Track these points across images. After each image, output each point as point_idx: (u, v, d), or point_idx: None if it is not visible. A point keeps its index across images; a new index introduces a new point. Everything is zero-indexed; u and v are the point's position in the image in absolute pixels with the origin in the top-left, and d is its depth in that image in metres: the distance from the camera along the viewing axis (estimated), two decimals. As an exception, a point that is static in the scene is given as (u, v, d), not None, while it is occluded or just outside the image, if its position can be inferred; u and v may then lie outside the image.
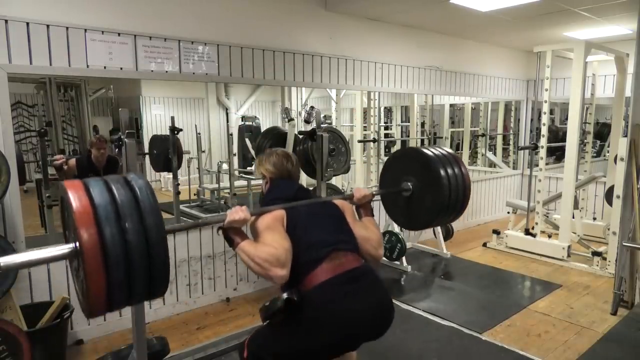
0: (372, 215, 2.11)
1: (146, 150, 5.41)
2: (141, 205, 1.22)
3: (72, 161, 4.12)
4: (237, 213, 1.69)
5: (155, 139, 5.35)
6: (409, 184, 2.23)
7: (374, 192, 2.18)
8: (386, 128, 8.75)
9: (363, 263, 1.83)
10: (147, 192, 1.25)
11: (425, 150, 2.21)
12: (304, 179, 6.33)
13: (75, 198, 1.16)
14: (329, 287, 1.69)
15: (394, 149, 8.38)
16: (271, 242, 1.67)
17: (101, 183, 1.24)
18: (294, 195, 1.94)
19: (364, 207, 2.11)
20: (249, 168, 6.64)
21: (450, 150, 2.27)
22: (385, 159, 6.73)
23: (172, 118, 4.90)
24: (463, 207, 2.23)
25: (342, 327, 1.66)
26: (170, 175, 5.01)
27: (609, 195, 4.89)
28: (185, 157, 6.05)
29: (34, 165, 5.23)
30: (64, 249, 1.24)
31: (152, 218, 1.22)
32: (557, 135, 7.89)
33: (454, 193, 2.12)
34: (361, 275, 1.77)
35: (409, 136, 7.44)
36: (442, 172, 2.11)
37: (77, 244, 1.16)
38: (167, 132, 4.88)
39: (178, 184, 4.81)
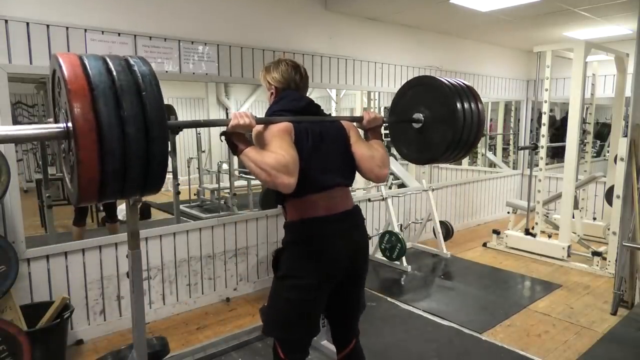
0: (381, 139, 2.01)
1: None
2: (143, 93, 1.11)
3: None
4: (241, 117, 1.55)
5: None
6: (421, 115, 2.08)
7: (385, 120, 2.07)
8: (386, 128, 8.75)
9: (352, 205, 1.88)
10: (151, 80, 1.14)
11: (443, 80, 2.05)
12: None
13: (70, 72, 1.04)
14: (323, 224, 1.77)
15: (393, 149, 8.38)
16: (279, 149, 1.56)
17: (100, 62, 1.12)
18: (304, 108, 1.83)
19: (372, 132, 2.00)
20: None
21: (467, 83, 2.11)
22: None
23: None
24: (474, 144, 2.11)
25: (331, 252, 1.76)
26: (170, 176, 5.00)
27: (609, 195, 4.89)
28: (185, 157, 6.06)
29: (34, 165, 5.24)
30: (53, 127, 1.13)
31: (154, 107, 1.11)
32: (554, 123, 7.85)
33: (467, 130, 1.98)
34: (349, 215, 1.85)
35: (409, 136, 7.43)
36: (459, 106, 1.95)
37: (69, 123, 1.04)
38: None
39: (178, 184, 4.80)
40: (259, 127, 1.67)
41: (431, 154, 2.12)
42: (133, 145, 1.08)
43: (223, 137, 1.62)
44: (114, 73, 1.10)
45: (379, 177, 1.88)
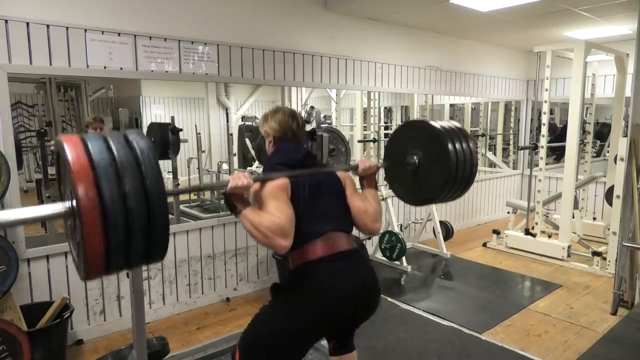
0: (376, 189, 2.05)
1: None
2: (142, 166, 1.16)
3: None
4: (240, 179, 1.62)
5: (152, 126, 5.29)
6: (415, 157, 2.12)
7: (379, 165, 2.12)
8: (386, 128, 8.74)
9: (354, 246, 1.87)
10: (149, 154, 1.19)
11: (433, 123, 2.10)
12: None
13: (73, 153, 1.10)
14: (323, 264, 1.74)
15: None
16: (275, 210, 1.63)
17: (100, 141, 1.17)
18: (301, 161, 1.89)
19: (367, 179, 2.05)
20: (249, 168, 6.64)
21: (458, 124, 2.16)
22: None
23: (172, 118, 4.90)
24: (468, 184, 2.14)
25: (330, 297, 1.70)
26: (170, 176, 5.00)
27: (609, 195, 4.89)
28: (185, 157, 6.05)
29: (34, 165, 5.23)
30: (58, 207, 1.18)
31: (154, 180, 1.16)
32: (555, 131, 7.86)
33: (461, 169, 2.03)
34: (352, 255, 1.83)
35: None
36: (450, 147, 2.00)
37: (74, 202, 1.10)
38: (167, 132, 4.87)
39: (178, 184, 4.80)
40: (257, 185, 1.72)
41: (428, 194, 2.17)
42: (135, 218, 1.13)
43: (222, 198, 1.71)
44: (114, 150, 1.16)
45: (371, 231, 1.95)
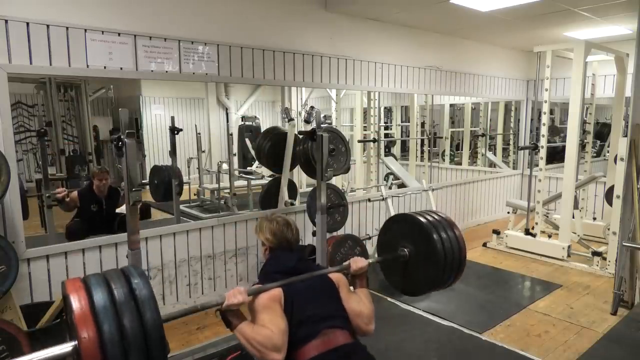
0: (367, 287, 2.10)
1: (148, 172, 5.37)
2: (139, 302, 1.29)
3: (74, 193, 4.12)
4: (235, 297, 1.70)
5: (156, 169, 5.33)
6: (405, 250, 2.27)
7: (371, 262, 2.17)
8: (386, 128, 8.75)
9: (354, 341, 1.83)
10: (145, 290, 1.32)
11: (419, 217, 2.27)
12: (304, 179, 6.35)
13: (75, 300, 1.24)
14: None
15: (394, 149, 8.39)
16: (268, 323, 1.68)
17: (101, 282, 1.32)
18: (293, 268, 1.94)
19: (360, 278, 2.10)
20: (249, 168, 6.64)
21: (443, 215, 2.33)
22: (385, 159, 6.72)
23: (172, 118, 4.91)
24: (460, 268, 2.27)
25: None
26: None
27: (609, 195, 4.89)
28: (185, 157, 6.06)
29: (34, 165, 5.24)
30: (66, 347, 1.30)
31: (150, 315, 1.28)
32: (557, 134, 7.88)
33: (449, 255, 2.18)
34: (352, 353, 1.77)
35: (409, 136, 7.45)
36: (436, 236, 2.16)
37: (77, 343, 1.22)
38: (167, 132, 4.88)
39: (178, 184, 4.81)
40: (251, 298, 1.78)
41: (424, 283, 2.30)
42: (133, 350, 1.24)
43: (218, 314, 1.76)
44: (116, 298, 1.29)
45: (365, 333, 1.94)
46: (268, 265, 2.01)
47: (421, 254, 2.22)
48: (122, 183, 3.45)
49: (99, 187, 4.10)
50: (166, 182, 4.85)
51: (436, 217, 2.29)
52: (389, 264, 2.41)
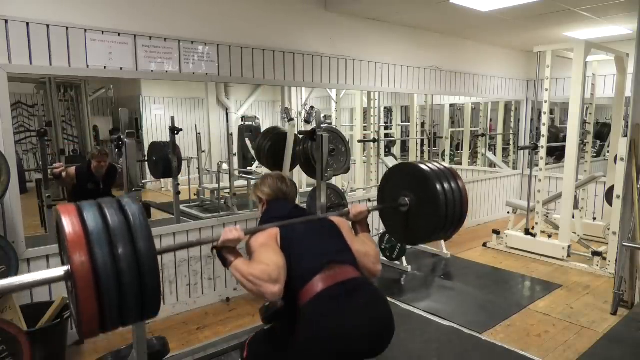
0: (369, 232, 2.10)
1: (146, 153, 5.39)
2: (133, 230, 1.25)
3: (72, 169, 4.12)
4: (231, 232, 1.70)
5: (154, 145, 5.34)
6: (406, 199, 2.22)
7: (370, 209, 2.15)
8: (386, 128, 8.75)
9: (361, 275, 1.80)
10: (140, 218, 1.28)
11: (422, 165, 2.20)
12: (304, 179, 6.35)
13: (68, 223, 1.19)
14: (325, 300, 1.64)
15: (394, 149, 8.39)
16: (263, 259, 1.66)
17: (95, 208, 1.26)
18: (289, 214, 1.94)
19: (360, 224, 2.09)
20: (249, 168, 6.64)
21: (446, 165, 2.26)
22: (385, 159, 6.71)
23: (172, 118, 4.90)
24: (461, 221, 2.23)
25: (338, 344, 1.61)
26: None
27: (609, 195, 4.89)
28: (185, 157, 6.05)
29: (33, 165, 5.24)
30: (58, 271, 1.26)
31: (144, 243, 1.25)
32: (557, 137, 7.88)
33: (451, 208, 2.12)
34: (359, 288, 1.72)
35: (409, 136, 7.45)
36: (439, 187, 2.10)
37: (70, 268, 1.19)
38: (167, 132, 4.88)
39: (178, 184, 4.81)
40: (248, 236, 1.78)
41: (422, 233, 2.26)
42: (127, 280, 1.21)
43: (214, 251, 1.75)
44: (108, 217, 1.25)
45: (373, 273, 1.93)
46: (264, 214, 2.02)
47: (423, 203, 2.15)
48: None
49: (97, 168, 4.11)
50: (165, 159, 4.83)
51: (439, 166, 2.22)
52: (389, 214, 2.35)
